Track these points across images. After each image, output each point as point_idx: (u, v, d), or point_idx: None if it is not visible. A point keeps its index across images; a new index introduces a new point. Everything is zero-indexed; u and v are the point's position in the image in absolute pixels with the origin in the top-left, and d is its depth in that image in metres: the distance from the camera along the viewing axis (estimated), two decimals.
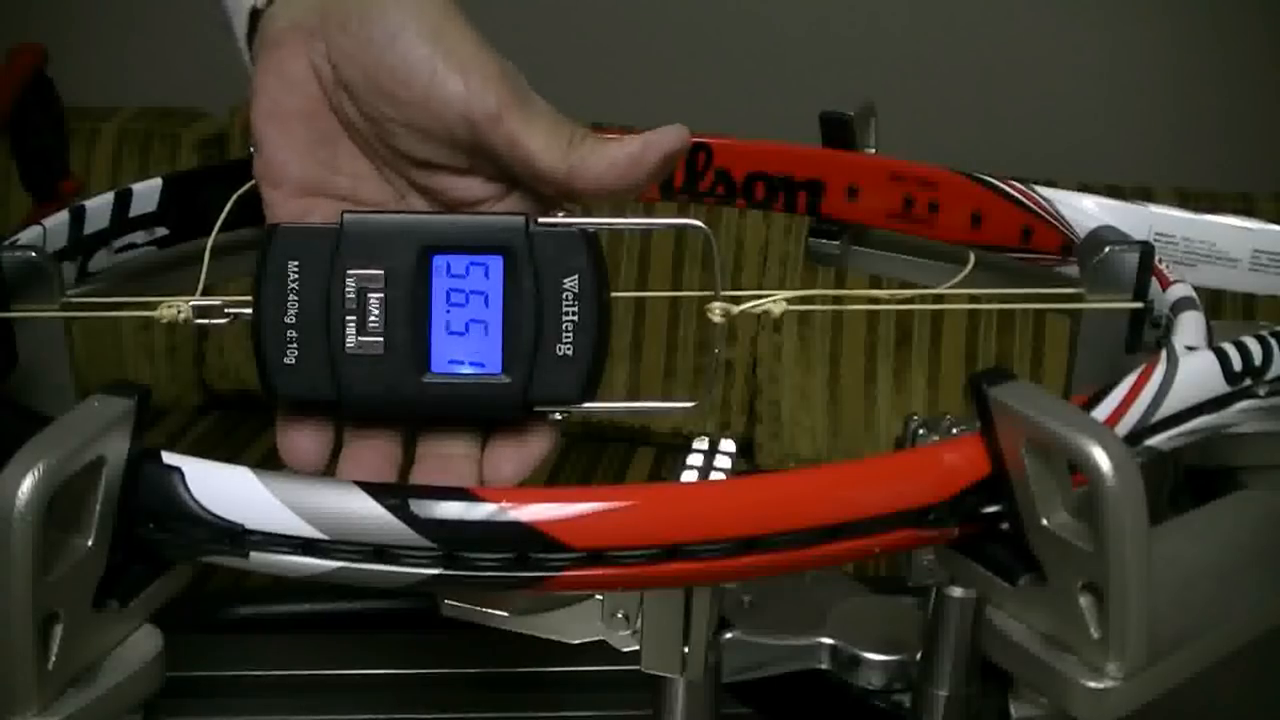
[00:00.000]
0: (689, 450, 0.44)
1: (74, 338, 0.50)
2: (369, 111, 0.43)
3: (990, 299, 0.51)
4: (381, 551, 0.34)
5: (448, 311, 0.42)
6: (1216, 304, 0.49)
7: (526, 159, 0.42)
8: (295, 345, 0.42)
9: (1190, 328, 0.43)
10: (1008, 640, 0.36)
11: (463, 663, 0.65)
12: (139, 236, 0.54)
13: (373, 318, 0.42)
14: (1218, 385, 0.39)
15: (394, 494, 0.34)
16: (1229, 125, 1.82)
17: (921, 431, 0.46)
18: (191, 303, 0.44)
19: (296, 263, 0.42)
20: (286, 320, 0.42)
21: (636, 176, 0.42)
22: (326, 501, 0.34)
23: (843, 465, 0.36)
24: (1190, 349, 0.40)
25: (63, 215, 0.51)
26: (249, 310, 0.42)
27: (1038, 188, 0.59)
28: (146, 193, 0.54)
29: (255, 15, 0.46)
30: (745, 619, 0.51)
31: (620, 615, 0.50)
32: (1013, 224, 0.59)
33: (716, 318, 0.43)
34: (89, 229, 0.52)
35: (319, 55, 0.44)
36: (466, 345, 0.42)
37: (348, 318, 0.42)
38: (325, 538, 0.34)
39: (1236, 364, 0.39)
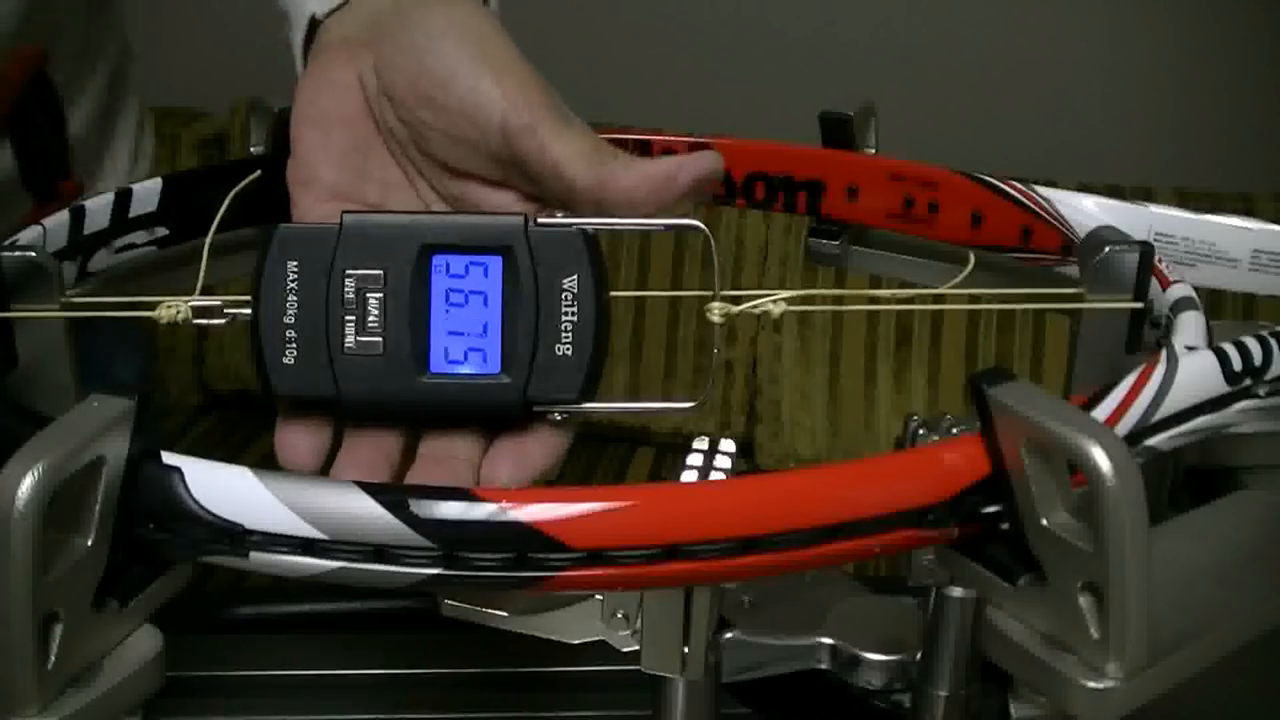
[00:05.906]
0: (689, 450, 0.44)
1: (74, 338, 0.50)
2: (408, 118, 0.44)
3: (990, 299, 0.51)
4: (381, 551, 0.34)
5: (447, 311, 0.42)
6: (1216, 304, 0.49)
7: (556, 167, 0.42)
8: (294, 345, 0.42)
9: (1190, 328, 0.43)
10: (1008, 640, 0.36)
11: (463, 663, 0.65)
12: (139, 236, 0.54)
13: (372, 317, 0.42)
14: (1218, 385, 0.39)
15: (394, 494, 0.34)
16: (1229, 125, 1.82)
17: (921, 431, 0.46)
18: (191, 303, 0.44)
19: (296, 262, 0.42)
20: (286, 320, 0.42)
21: (667, 194, 0.42)
22: (326, 501, 0.34)
23: (843, 465, 0.35)
24: (1190, 349, 0.40)
25: (63, 215, 0.51)
26: (248, 310, 0.42)
27: (1038, 188, 0.59)
28: (146, 193, 0.54)
29: (314, 25, 0.47)
30: (745, 619, 0.51)
31: (620, 615, 0.50)
32: (1013, 224, 0.59)
33: (716, 318, 0.43)
34: (89, 229, 0.52)
35: (365, 65, 0.45)
36: (465, 345, 0.42)
37: (347, 317, 0.42)
38: (325, 538, 0.34)
39: (1236, 364, 0.39)
